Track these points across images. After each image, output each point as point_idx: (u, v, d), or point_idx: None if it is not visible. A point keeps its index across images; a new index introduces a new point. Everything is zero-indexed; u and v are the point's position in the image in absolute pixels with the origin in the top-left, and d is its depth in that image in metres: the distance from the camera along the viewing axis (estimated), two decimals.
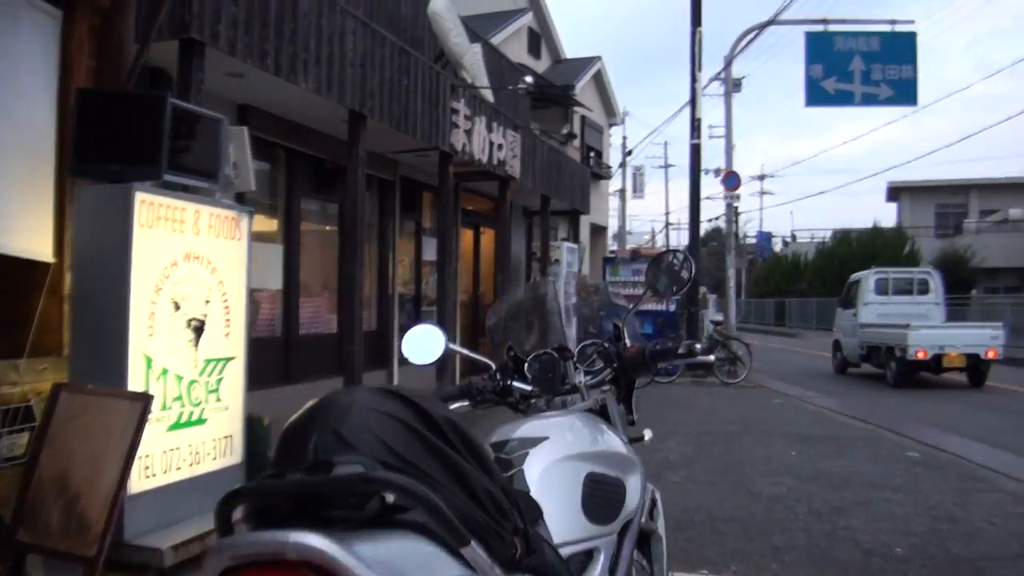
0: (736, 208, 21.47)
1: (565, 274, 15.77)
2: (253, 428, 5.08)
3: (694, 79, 17.30)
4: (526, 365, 2.42)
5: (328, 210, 10.19)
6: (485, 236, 14.97)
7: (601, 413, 2.46)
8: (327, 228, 10.29)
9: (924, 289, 17.26)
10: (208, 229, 4.70)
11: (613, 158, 31.95)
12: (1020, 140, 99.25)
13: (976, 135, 57.46)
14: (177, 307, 4.48)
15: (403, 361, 10.98)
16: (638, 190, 36.10)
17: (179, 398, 4.50)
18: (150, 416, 3.86)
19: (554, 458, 1.94)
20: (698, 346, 2.47)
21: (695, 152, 17.34)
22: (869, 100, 18.11)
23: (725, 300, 19.44)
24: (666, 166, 53.13)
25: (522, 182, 12.49)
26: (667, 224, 58.58)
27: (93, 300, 4.19)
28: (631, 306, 2.88)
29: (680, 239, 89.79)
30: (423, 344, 2.46)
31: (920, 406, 12.20)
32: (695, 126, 17.14)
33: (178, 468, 4.47)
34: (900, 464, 7.47)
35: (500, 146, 11.35)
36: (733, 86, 21.99)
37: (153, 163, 4.27)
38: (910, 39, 17.52)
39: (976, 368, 14.57)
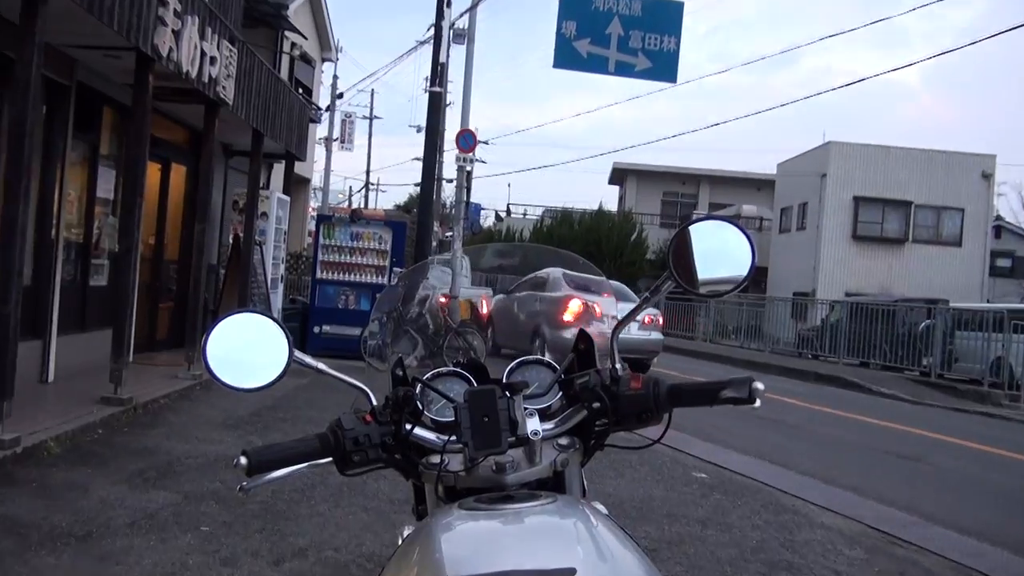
0: (469, 173, 21.09)
1: (274, 232, 14.54)
2: None
3: (441, 15, 16.58)
4: (422, 398, 1.75)
5: None
6: (175, 175, 13.37)
7: (553, 484, 1.69)
8: None
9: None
10: None
11: (323, 100, 30.63)
12: (753, 136, 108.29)
13: (720, 125, 61.51)
14: None
15: (64, 330, 9.40)
16: (347, 141, 34.98)
17: None
18: None
19: None
20: (759, 385, 1.63)
21: (435, 103, 16.68)
22: (624, 70, 17.81)
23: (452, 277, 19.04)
24: (371, 117, 52.11)
25: (234, 110, 11.12)
26: (367, 183, 57.67)
27: None
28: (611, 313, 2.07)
29: (382, 202, 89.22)
30: (247, 349, 1.65)
31: None
32: (439, 71, 16.46)
33: None
34: None
35: (214, 60, 9.92)
36: (456, 37, 21.48)
37: None
38: (677, 9, 17.72)
39: None
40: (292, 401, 9.77)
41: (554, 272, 3.42)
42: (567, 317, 2.97)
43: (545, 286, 3.70)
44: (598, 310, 2.56)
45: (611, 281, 2.43)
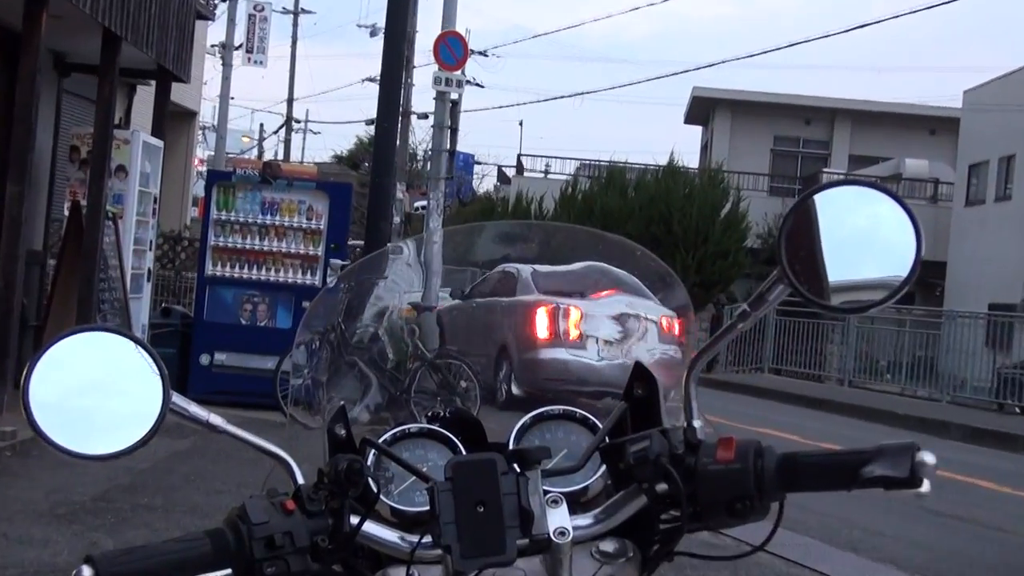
0: (456, 104, 21.19)
1: (138, 199, 14.62)
2: None
3: None
4: (377, 473, 1.81)
5: None
6: None
7: None
8: None
9: None
10: None
11: None
12: (923, 47, 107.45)
13: (867, 27, 61.24)
14: None
15: None
16: (257, 50, 35.16)
17: None
18: None
19: None
20: (929, 458, 1.62)
21: None
22: None
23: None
24: (296, 11, 52.38)
25: None
26: (288, 119, 58.06)
27: None
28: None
29: (314, 149, 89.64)
30: (94, 391, 1.67)
31: None
32: None
33: None
34: None
35: None
36: None
37: None
38: None
39: None
40: (165, 476, 9.81)
41: (525, 269, 3.44)
42: (542, 333, 3.01)
43: (516, 286, 3.70)
44: (576, 315, 2.58)
45: (608, 267, 2.41)
